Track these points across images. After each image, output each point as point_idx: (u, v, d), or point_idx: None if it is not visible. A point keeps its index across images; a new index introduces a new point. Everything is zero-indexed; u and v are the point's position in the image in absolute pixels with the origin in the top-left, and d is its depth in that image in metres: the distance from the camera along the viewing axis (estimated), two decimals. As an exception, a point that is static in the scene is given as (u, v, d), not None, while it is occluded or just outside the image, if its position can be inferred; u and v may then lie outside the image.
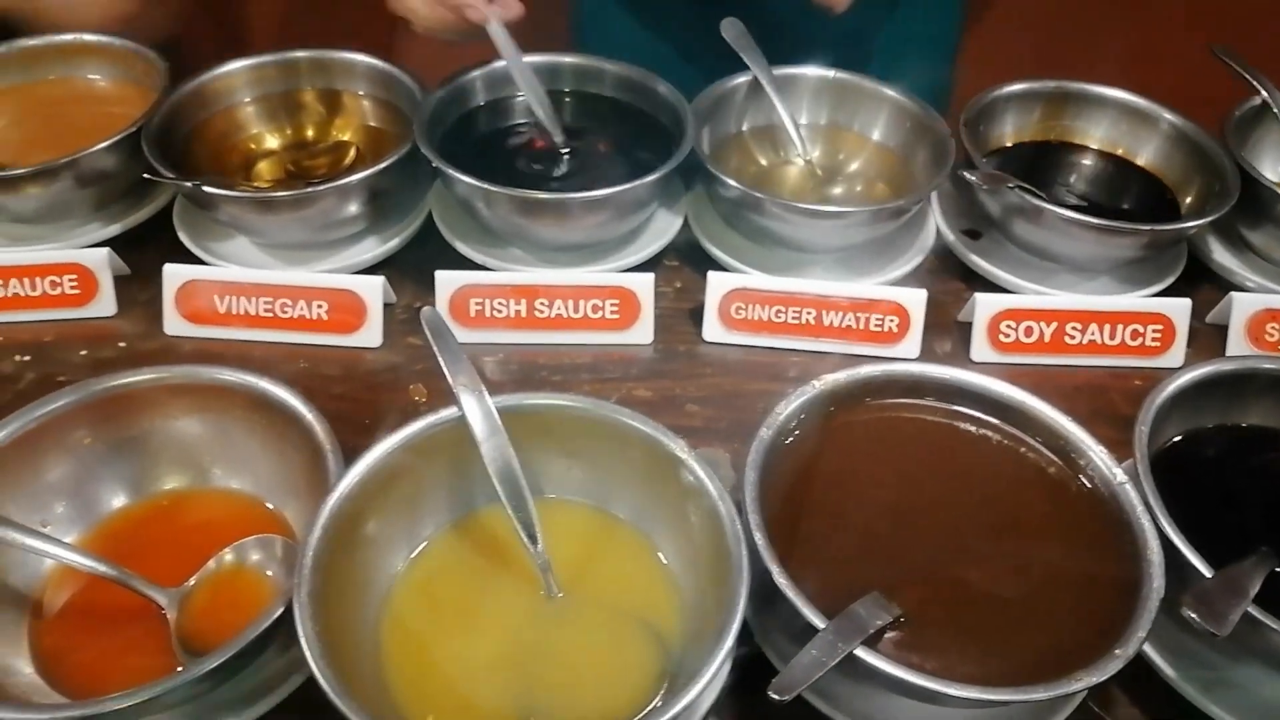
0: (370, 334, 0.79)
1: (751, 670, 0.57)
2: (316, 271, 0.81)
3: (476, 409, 0.58)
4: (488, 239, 0.83)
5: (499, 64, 0.86)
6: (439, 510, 0.61)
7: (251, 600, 0.58)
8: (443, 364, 0.60)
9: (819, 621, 0.49)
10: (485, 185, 0.76)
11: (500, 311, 0.79)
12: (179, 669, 0.53)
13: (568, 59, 0.88)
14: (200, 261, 0.82)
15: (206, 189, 0.76)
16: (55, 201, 0.81)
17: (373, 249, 0.83)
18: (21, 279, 0.79)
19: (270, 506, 0.62)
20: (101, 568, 0.56)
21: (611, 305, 0.79)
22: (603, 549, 0.60)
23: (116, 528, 0.62)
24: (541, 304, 0.79)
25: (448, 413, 0.59)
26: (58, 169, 0.78)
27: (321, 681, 0.47)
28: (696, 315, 0.81)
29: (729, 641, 0.48)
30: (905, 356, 0.78)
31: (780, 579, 0.51)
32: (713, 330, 0.79)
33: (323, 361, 0.78)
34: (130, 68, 0.89)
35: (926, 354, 0.79)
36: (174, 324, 0.79)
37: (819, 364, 0.79)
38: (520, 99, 0.87)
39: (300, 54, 0.87)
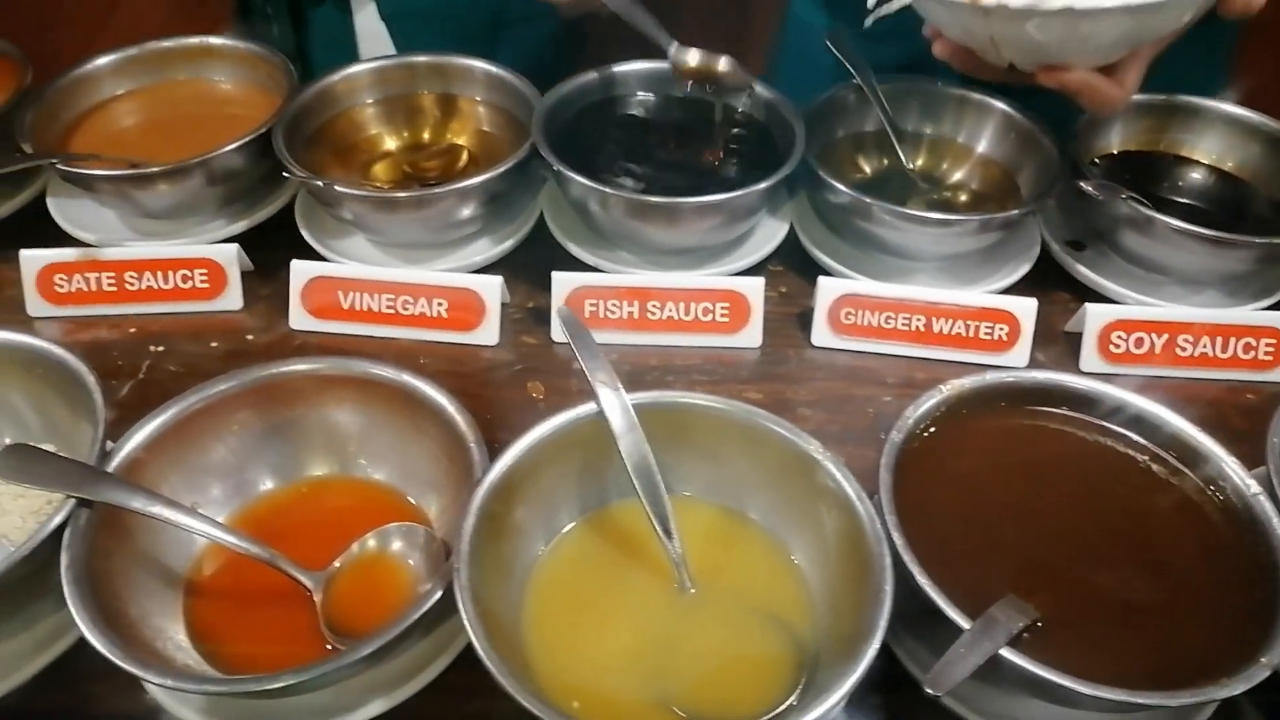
0: (488, 332, 0.81)
1: (873, 667, 0.58)
2: (432, 270, 0.83)
3: (615, 405, 0.60)
4: (597, 240, 0.85)
5: (609, 68, 0.89)
6: (573, 504, 0.63)
7: (392, 586, 0.61)
8: (582, 361, 0.62)
9: (964, 622, 0.50)
10: (601, 188, 0.78)
11: (614, 313, 0.81)
12: (337, 649, 0.56)
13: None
14: (320, 257, 0.85)
15: (337, 188, 0.78)
16: (185, 199, 0.84)
17: (487, 250, 0.86)
18: (155, 272, 0.82)
19: (409, 497, 0.65)
20: (254, 549, 0.59)
21: (722, 308, 0.80)
22: (733, 546, 0.61)
23: (262, 510, 0.64)
24: (654, 306, 0.80)
25: (585, 408, 0.61)
26: (190, 168, 0.81)
27: (489, 664, 0.49)
28: (802, 320, 0.83)
29: (876, 642, 0.49)
30: (1014, 365, 0.79)
31: (922, 580, 0.52)
32: (821, 335, 0.81)
33: (441, 358, 0.81)
34: (253, 70, 0.92)
35: (1032, 363, 0.80)
36: (299, 318, 0.82)
37: (926, 370, 0.80)
38: (634, 99, 0.89)
39: (421, 58, 0.89)
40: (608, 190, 0.78)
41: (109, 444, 0.60)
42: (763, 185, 0.78)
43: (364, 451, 0.64)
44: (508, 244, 0.86)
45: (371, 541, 0.61)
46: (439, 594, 0.53)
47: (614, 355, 0.81)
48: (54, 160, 0.79)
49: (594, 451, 0.61)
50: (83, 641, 0.56)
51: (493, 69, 0.89)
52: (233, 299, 0.83)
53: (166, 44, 0.92)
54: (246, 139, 0.82)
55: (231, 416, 0.62)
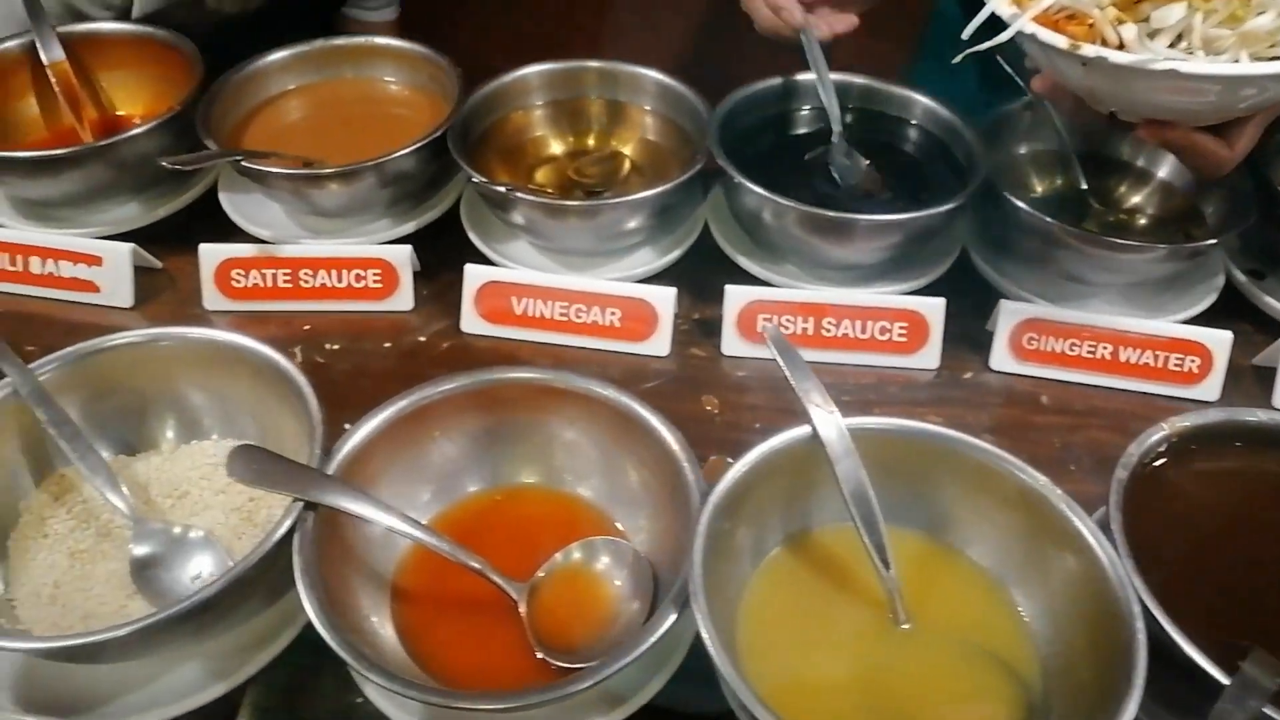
0: (659, 343, 0.80)
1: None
2: (595, 278, 0.83)
3: (831, 428, 0.59)
4: (764, 253, 0.84)
5: (781, 80, 0.88)
6: (778, 527, 0.62)
7: (597, 600, 0.60)
8: (794, 383, 0.61)
9: (1223, 678, 0.49)
10: (785, 200, 0.77)
11: (787, 328, 0.79)
12: (556, 665, 0.56)
13: (858, 80, 0.89)
14: (485, 260, 0.85)
15: (518, 194, 0.78)
16: (357, 199, 0.84)
17: (651, 259, 0.85)
18: (329, 270, 0.83)
19: (607, 512, 0.64)
20: (467, 559, 0.59)
21: (900, 328, 0.79)
22: (946, 581, 0.60)
23: (462, 514, 0.64)
24: (829, 323, 0.79)
25: (800, 431, 0.60)
26: (366, 169, 0.81)
27: (735, 687, 0.48)
28: (976, 342, 0.81)
29: (1135, 700, 0.48)
30: (1205, 399, 0.76)
31: (1173, 632, 0.50)
32: (1001, 359, 0.79)
33: (612, 367, 0.80)
34: (419, 72, 0.93)
35: (1223, 399, 0.77)
36: (470, 321, 0.82)
37: (1110, 400, 0.78)
38: (804, 113, 0.88)
39: (592, 64, 0.89)
40: (788, 203, 0.77)
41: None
42: (947, 207, 0.77)
43: (570, 465, 0.64)
44: (674, 254, 0.85)
45: (576, 553, 0.61)
46: (674, 617, 0.52)
47: (781, 372, 0.80)
48: (239, 157, 0.80)
49: (801, 474, 0.60)
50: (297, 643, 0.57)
51: (662, 78, 0.88)
52: (404, 299, 0.84)
53: (337, 42, 0.93)
54: (423, 142, 0.82)
55: (445, 421, 0.63)
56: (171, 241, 0.87)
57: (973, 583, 0.60)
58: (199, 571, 0.61)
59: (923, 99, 0.88)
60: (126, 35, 0.95)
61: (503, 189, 0.78)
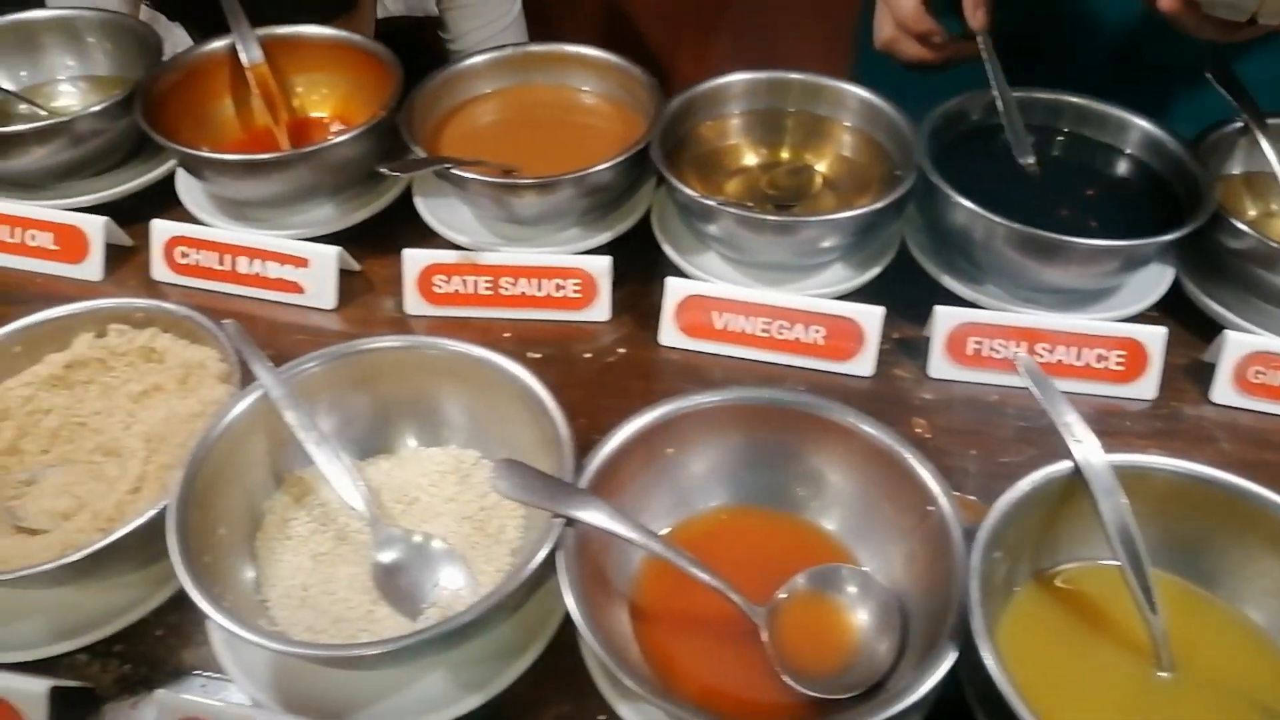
0: (864, 363, 0.79)
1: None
2: (789, 293, 0.82)
3: (1095, 464, 0.57)
4: (965, 271, 0.83)
5: (981, 95, 0.86)
6: (1026, 563, 0.60)
7: (839, 629, 0.59)
8: (1053, 415, 0.60)
9: None
10: (997, 219, 0.75)
11: (998, 352, 0.78)
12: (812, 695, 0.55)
13: (1069, 98, 0.87)
14: (677, 270, 0.85)
15: (729, 209, 0.78)
16: (554, 208, 0.84)
17: (847, 276, 0.83)
18: (531, 279, 0.83)
19: (844, 542, 0.63)
20: (710, 580, 0.58)
21: (1118, 356, 0.76)
22: (1211, 629, 0.58)
23: (694, 532, 0.64)
24: (1043, 348, 0.77)
25: (1060, 466, 0.58)
26: (566, 180, 0.81)
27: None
28: (1194, 373, 0.78)
29: None
30: None
31: None
32: (1224, 393, 0.76)
33: (814, 387, 0.79)
34: (609, 80, 0.92)
35: None
36: (669, 334, 0.81)
37: (1340, 439, 0.74)
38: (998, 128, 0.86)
39: (794, 75, 0.88)
40: (1006, 222, 0.75)
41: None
42: (1175, 234, 0.74)
43: (812, 491, 0.63)
44: (872, 270, 0.84)
45: (818, 579, 0.60)
46: (954, 655, 0.51)
47: (994, 396, 0.79)
48: (448, 164, 0.80)
49: (1054, 508, 0.59)
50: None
51: (865, 94, 0.87)
52: (601, 310, 0.83)
53: (532, 48, 0.93)
54: (628, 154, 0.81)
55: (688, 437, 0.62)
56: (367, 244, 0.89)
57: (1241, 633, 0.57)
58: (438, 580, 0.62)
59: (1136, 120, 0.85)
60: (319, 39, 0.96)
61: (715, 204, 0.78)
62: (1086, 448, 0.58)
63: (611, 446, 0.61)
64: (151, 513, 0.57)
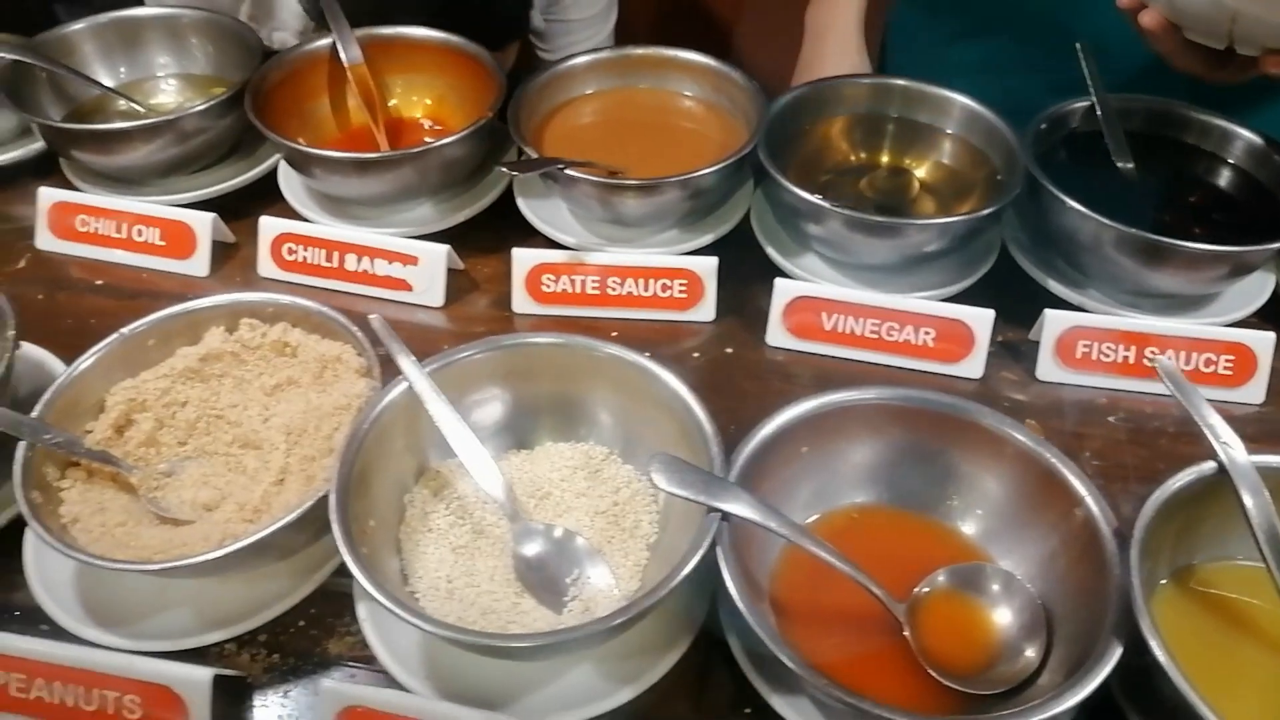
0: (973, 365, 0.80)
1: None
2: (892, 295, 0.83)
3: (1240, 464, 0.58)
4: (1067, 274, 0.84)
5: (1081, 102, 0.87)
6: (1165, 562, 0.61)
7: (981, 627, 0.60)
8: (1199, 418, 0.60)
9: None
10: (1107, 221, 0.76)
11: (1107, 356, 0.78)
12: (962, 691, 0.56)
13: (1170, 106, 0.88)
14: (778, 271, 0.86)
15: (846, 212, 0.78)
16: (658, 210, 0.85)
17: (949, 280, 0.84)
18: (638, 279, 0.84)
19: (981, 545, 0.64)
20: (850, 571, 0.59)
21: (1226, 361, 0.77)
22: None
23: (831, 527, 0.65)
24: (1152, 352, 0.78)
25: (1203, 466, 0.59)
26: (671, 183, 0.81)
27: None
28: (1295, 378, 0.79)
29: None
30: None
31: None
32: (1333, 397, 0.77)
33: (921, 388, 0.79)
34: (707, 84, 0.93)
35: None
36: (776, 335, 0.82)
37: None
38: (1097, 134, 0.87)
39: (899, 81, 0.89)
40: (1118, 226, 0.75)
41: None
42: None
43: (955, 493, 0.64)
44: (977, 273, 0.84)
45: (958, 577, 0.61)
46: (1118, 653, 0.52)
47: (1103, 399, 0.79)
48: (561, 165, 0.81)
49: (1193, 509, 0.60)
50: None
51: (972, 103, 0.87)
52: (706, 310, 0.84)
53: (635, 51, 0.94)
54: (733, 157, 0.82)
55: (825, 433, 0.63)
56: (465, 242, 0.89)
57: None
58: (578, 574, 0.62)
59: (1238, 128, 0.86)
60: (419, 40, 0.97)
61: (825, 204, 0.78)
62: (1233, 449, 0.58)
63: (756, 442, 0.62)
64: (309, 503, 0.58)
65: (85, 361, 0.67)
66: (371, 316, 0.66)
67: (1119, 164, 0.85)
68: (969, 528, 0.64)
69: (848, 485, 0.66)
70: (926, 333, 0.80)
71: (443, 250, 0.84)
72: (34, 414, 0.64)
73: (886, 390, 0.64)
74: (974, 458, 0.63)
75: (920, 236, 0.80)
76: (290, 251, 0.86)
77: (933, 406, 0.63)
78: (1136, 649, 0.52)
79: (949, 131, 0.89)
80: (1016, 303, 0.83)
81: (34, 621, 0.62)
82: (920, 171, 0.90)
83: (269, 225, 0.87)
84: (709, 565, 0.56)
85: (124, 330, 0.68)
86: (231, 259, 0.90)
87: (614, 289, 0.84)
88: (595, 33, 1.34)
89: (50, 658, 0.56)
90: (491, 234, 0.91)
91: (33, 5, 1.19)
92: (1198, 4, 0.71)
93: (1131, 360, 0.78)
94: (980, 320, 0.79)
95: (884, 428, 0.64)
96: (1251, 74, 0.77)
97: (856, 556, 0.62)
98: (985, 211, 0.79)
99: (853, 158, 0.91)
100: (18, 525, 0.66)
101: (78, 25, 0.99)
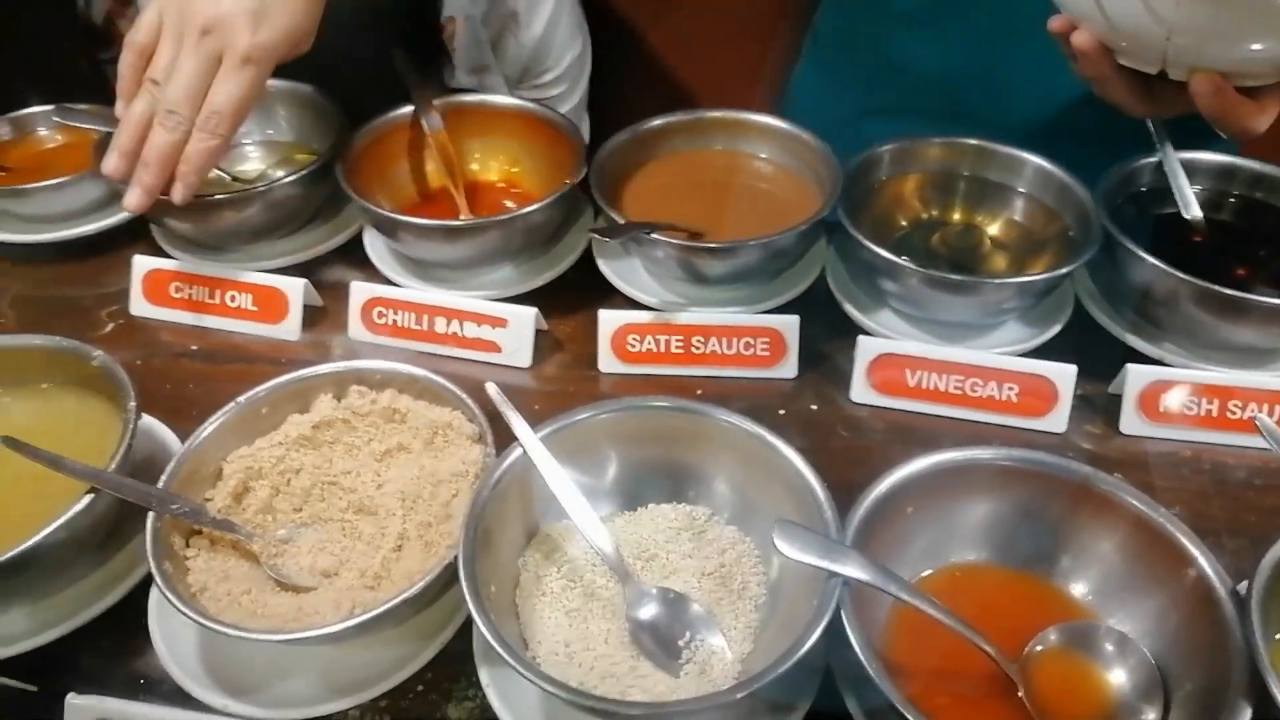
0: (1056, 419, 0.81)
1: None
2: (972, 349, 0.84)
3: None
4: (1137, 326, 0.85)
5: (1153, 158, 0.89)
6: (1275, 620, 0.62)
7: (1094, 689, 0.61)
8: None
9: None
10: (1193, 279, 0.77)
11: (1190, 409, 0.80)
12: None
13: (1240, 162, 0.90)
14: (856, 329, 0.87)
15: (925, 270, 0.80)
16: (736, 270, 0.87)
17: (1027, 335, 0.86)
18: (721, 338, 0.85)
19: (1083, 599, 0.65)
20: (966, 632, 0.60)
21: (1310, 413, 0.79)
22: None
23: (932, 588, 0.65)
24: (1234, 406, 0.79)
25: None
26: (751, 245, 0.83)
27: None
28: (1379, 429, 0.80)
29: None
30: None
31: None
32: None
33: (1007, 443, 0.80)
34: (784, 148, 0.96)
35: None
36: (860, 391, 0.84)
37: None
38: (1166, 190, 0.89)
39: (969, 141, 0.91)
40: (1197, 281, 0.77)
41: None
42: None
43: (1057, 552, 0.65)
44: (1052, 329, 0.86)
45: (1070, 636, 0.62)
46: (1248, 713, 0.52)
47: (1188, 452, 0.80)
48: (648, 230, 0.83)
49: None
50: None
51: (1044, 163, 0.90)
52: (789, 367, 0.86)
53: (712, 114, 0.96)
54: (813, 219, 0.84)
55: (930, 493, 0.65)
56: (545, 303, 0.91)
57: None
58: (690, 636, 0.63)
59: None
60: (498, 107, 1.00)
61: (905, 262, 0.80)
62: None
63: (868, 504, 0.63)
64: (437, 568, 0.59)
65: (204, 430, 0.69)
66: (489, 385, 0.68)
67: (1188, 218, 0.88)
68: (1077, 588, 0.65)
69: (954, 543, 0.67)
70: (1010, 388, 0.81)
71: (531, 313, 0.86)
72: (160, 484, 0.65)
73: (997, 451, 0.65)
74: (1082, 517, 0.64)
75: (999, 294, 0.82)
76: (380, 315, 0.89)
77: (1042, 467, 0.65)
78: (1265, 709, 0.53)
79: (1020, 189, 0.91)
80: (1092, 356, 0.84)
81: (160, 689, 0.64)
82: (992, 228, 0.92)
83: (360, 290, 0.89)
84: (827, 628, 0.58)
85: (240, 399, 0.70)
86: (320, 322, 0.93)
87: (698, 348, 0.86)
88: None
89: (188, 727, 0.58)
90: (572, 293, 0.93)
91: (84, 70, 1.24)
92: (1133, 18, 0.70)
93: (1215, 413, 0.80)
94: (1063, 375, 0.81)
95: (992, 488, 0.65)
96: (1180, 108, 0.77)
97: (964, 615, 0.63)
98: (1064, 270, 0.80)
99: (924, 215, 0.93)
100: (139, 593, 0.68)
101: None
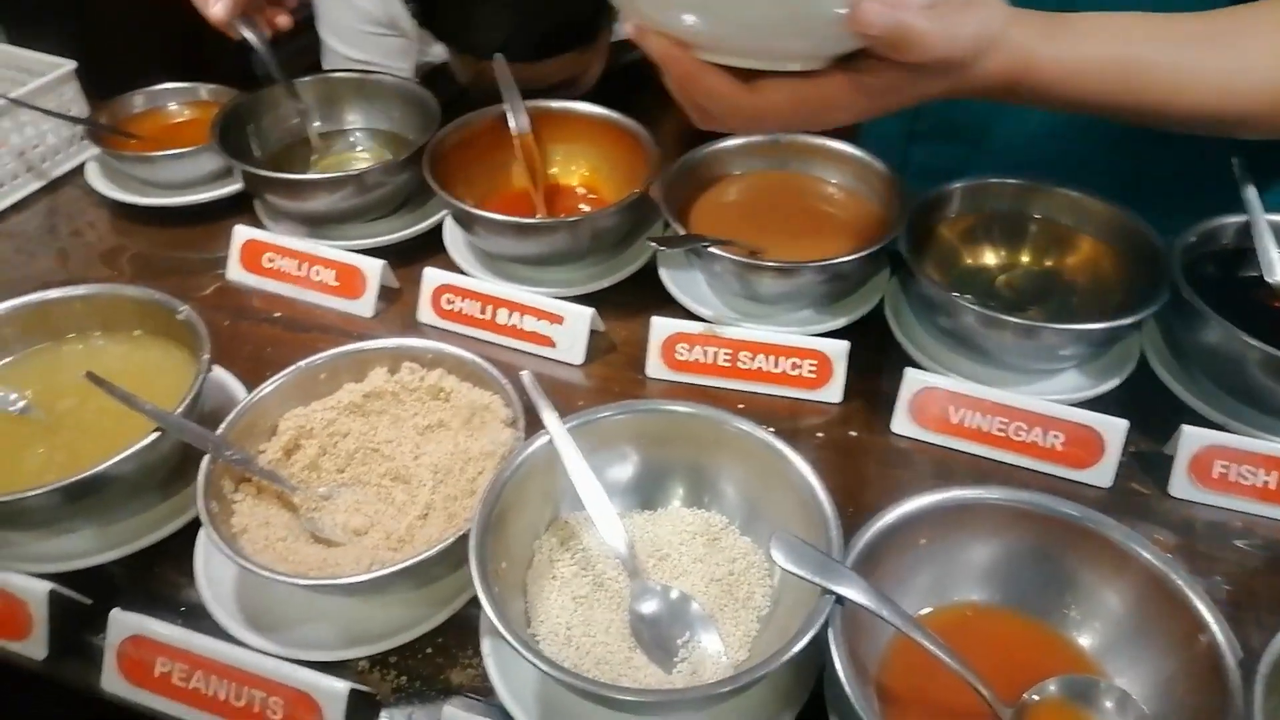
0: (1103, 474, 0.79)
1: None
2: (1030, 395, 0.83)
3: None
4: (1203, 387, 0.83)
5: (1238, 217, 0.86)
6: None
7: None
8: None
9: None
10: (1261, 345, 0.75)
11: (1246, 479, 0.77)
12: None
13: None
14: (909, 360, 0.87)
15: (980, 309, 0.80)
16: (794, 291, 0.88)
17: (1086, 385, 0.84)
18: (769, 356, 0.87)
19: (1094, 657, 0.63)
20: (959, 669, 0.59)
21: (1378, 497, 0.75)
22: None
23: (937, 624, 0.65)
24: (1296, 481, 0.76)
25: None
26: (810, 268, 0.85)
27: None
28: None
29: None
30: None
31: None
32: None
33: (1048, 492, 0.78)
34: (856, 175, 0.97)
35: None
36: (902, 423, 0.84)
37: None
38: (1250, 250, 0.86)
39: (1042, 184, 0.90)
40: (1264, 347, 0.74)
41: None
42: None
43: (1070, 603, 0.64)
44: (1111, 382, 0.84)
45: (1069, 688, 0.60)
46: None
47: (1239, 523, 0.77)
48: (706, 243, 0.85)
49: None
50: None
51: (1118, 210, 0.88)
52: (834, 392, 0.86)
53: (790, 137, 0.98)
54: (874, 247, 0.85)
55: (946, 528, 0.64)
56: (606, 306, 0.94)
57: None
58: (689, 637, 0.65)
59: None
60: (583, 114, 1.04)
61: (962, 301, 0.80)
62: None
63: (875, 529, 0.63)
64: (451, 538, 0.63)
65: (266, 388, 0.74)
66: (523, 373, 0.71)
67: (1270, 281, 0.84)
68: (1085, 639, 0.64)
69: (963, 581, 0.66)
70: (1055, 436, 0.80)
71: (588, 313, 0.90)
72: (219, 431, 0.71)
73: (1013, 492, 0.65)
74: (1097, 570, 0.63)
75: (1057, 340, 0.81)
76: (449, 301, 0.93)
77: (1059, 514, 0.63)
78: (1257, 787, 0.51)
79: (1092, 235, 0.90)
80: (1152, 414, 0.82)
81: (198, 618, 0.69)
82: (1060, 274, 0.91)
83: (432, 276, 0.94)
84: (819, 645, 0.58)
85: (301, 363, 0.76)
86: (394, 303, 0.98)
87: (745, 363, 0.87)
88: None
89: (214, 654, 0.62)
90: (632, 299, 0.96)
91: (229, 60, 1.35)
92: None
93: (1273, 486, 0.76)
94: (1113, 429, 0.78)
95: (1007, 529, 0.64)
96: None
97: (966, 654, 0.62)
98: (1126, 321, 0.79)
99: (991, 254, 0.92)
100: (192, 529, 0.74)
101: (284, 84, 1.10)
